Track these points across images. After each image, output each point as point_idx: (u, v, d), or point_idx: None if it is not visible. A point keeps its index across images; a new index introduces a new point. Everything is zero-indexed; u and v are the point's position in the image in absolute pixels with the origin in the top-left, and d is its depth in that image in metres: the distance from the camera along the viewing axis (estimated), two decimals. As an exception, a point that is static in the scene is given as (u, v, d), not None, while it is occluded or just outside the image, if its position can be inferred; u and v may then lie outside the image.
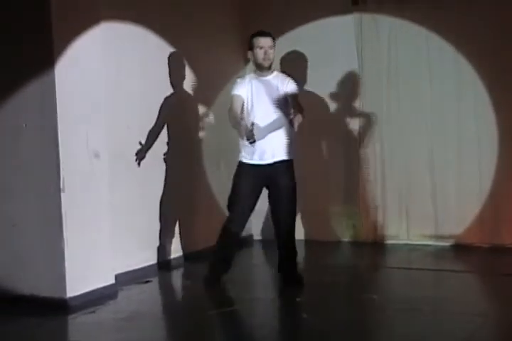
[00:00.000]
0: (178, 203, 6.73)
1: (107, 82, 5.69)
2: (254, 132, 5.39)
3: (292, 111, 5.62)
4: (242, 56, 7.39)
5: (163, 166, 6.56)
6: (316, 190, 7.48)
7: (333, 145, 7.48)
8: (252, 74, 5.84)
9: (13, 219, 5.42)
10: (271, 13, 7.54)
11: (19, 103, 5.32)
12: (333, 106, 7.44)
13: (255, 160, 5.71)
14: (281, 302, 5.48)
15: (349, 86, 7.36)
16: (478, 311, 4.98)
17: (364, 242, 7.38)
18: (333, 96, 7.42)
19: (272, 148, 5.66)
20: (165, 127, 6.55)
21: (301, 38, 7.44)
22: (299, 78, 6.70)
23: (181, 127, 6.79)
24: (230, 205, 5.84)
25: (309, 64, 7.38)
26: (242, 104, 5.70)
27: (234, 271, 6.03)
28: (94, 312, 5.19)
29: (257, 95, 5.70)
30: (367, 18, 7.23)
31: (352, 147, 7.40)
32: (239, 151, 5.83)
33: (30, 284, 5.34)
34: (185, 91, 6.83)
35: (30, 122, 5.28)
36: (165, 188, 6.57)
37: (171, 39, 6.62)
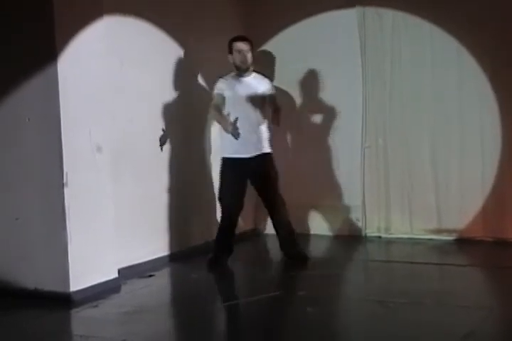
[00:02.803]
0: (181, 197, 6.72)
1: (110, 75, 5.68)
2: (238, 126, 5.95)
3: (270, 110, 6.27)
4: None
5: (167, 160, 6.55)
6: (318, 184, 7.48)
7: (336, 140, 7.46)
8: (233, 74, 6.34)
9: (16, 214, 5.43)
10: (273, 7, 7.52)
11: (22, 97, 5.32)
12: (336, 99, 7.42)
13: (237, 154, 6.19)
14: (284, 296, 5.47)
15: (352, 79, 7.34)
16: (482, 305, 4.98)
17: (367, 236, 7.37)
18: (336, 89, 7.40)
19: (252, 142, 6.19)
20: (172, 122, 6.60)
21: (303, 32, 7.41)
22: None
23: (186, 123, 6.80)
24: (220, 199, 6.39)
25: (312, 57, 7.36)
26: (223, 102, 6.20)
27: (237, 265, 6.03)
28: (97, 306, 5.19)
29: (237, 93, 6.22)
30: (370, 11, 7.21)
31: (355, 140, 7.38)
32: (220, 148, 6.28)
33: (34, 278, 5.35)
34: (194, 88, 6.90)
35: (33, 116, 5.29)
36: (168, 182, 6.57)
37: (173, 33, 6.60)
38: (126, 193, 5.98)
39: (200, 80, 6.97)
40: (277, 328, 4.76)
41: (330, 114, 7.42)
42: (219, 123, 6.20)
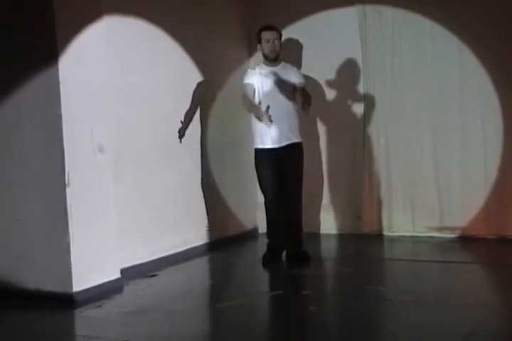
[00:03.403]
0: (184, 197, 6.73)
1: (111, 76, 5.68)
2: (271, 114, 5.91)
3: (301, 98, 6.17)
4: (246, 48, 7.41)
5: (169, 160, 6.55)
6: (321, 182, 7.49)
7: (338, 137, 7.46)
8: (262, 65, 6.39)
9: (17, 214, 5.42)
10: (274, 5, 7.52)
11: (23, 98, 5.32)
12: (337, 98, 7.42)
13: (269, 145, 6.23)
14: (286, 295, 5.47)
15: (353, 78, 7.34)
16: (484, 302, 4.97)
17: (369, 234, 7.38)
18: (337, 88, 7.40)
19: (283, 132, 6.19)
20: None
21: (304, 29, 7.41)
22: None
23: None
24: (264, 191, 6.38)
25: (313, 55, 7.36)
26: (254, 92, 6.22)
27: (240, 265, 6.03)
28: (100, 306, 5.19)
29: (267, 83, 6.24)
30: (370, 9, 7.21)
31: (356, 139, 7.38)
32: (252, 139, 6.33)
33: (36, 279, 5.35)
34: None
35: (35, 117, 5.29)
36: (171, 182, 6.58)
37: (175, 32, 6.60)
38: (128, 193, 5.98)
39: (202, 79, 6.96)
40: (277, 327, 4.75)
41: (332, 111, 7.43)
42: (251, 112, 6.18)
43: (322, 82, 7.41)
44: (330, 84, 7.40)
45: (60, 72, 5.16)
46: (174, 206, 6.60)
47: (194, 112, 6.84)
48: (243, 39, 7.50)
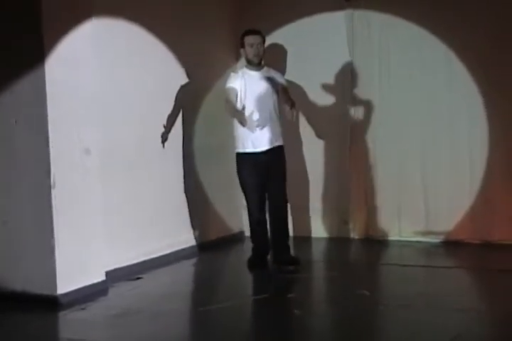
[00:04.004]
0: (170, 200, 6.72)
1: (99, 79, 5.67)
2: (256, 118, 5.96)
3: (286, 103, 6.09)
4: (234, 51, 7.39)
5: (155, 163, 6.54)
6: (308, 186, 7.49)
7: (325, 142, 7.46)
8: (245, 69, 6.33)
9: (3, 216, 5.40)
10: (263, 9, 7.52)
11: (9, 99, 5.31)
12: (324, 103, 7.42)
13: (250, 149, 6.16)
14: (272, 299, 5.47)
15: (340, 83, 7.35)
16: (470, 307, 4.99)
17: (356, 238, 7.38)
18: (324, 93, 7.40)
19: (264, 136, 6.13)
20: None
21: (293, 34, 7.42)
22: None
23: (176, 123, 6.82)
24: (247, 196, 6.33)
25: (301, 59, 7.37)
26: (236, 96, 6.14)
27: (225, 268, 6.03)
28: (84, 308, 5.18)
29: (250, 88, 6.16)
30: (359, 14, 7.22)
31: (344, 144, 7.39)
32: (233, 143, 6.26)
33: (22, 281, 5.34)
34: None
35: (21, 118, 5.27)
36: (157, 185, 6.56)
37: (163, 36, 6.60)
38: (114, 195, 5.97)
39: (191, 81, 6.96)
40: (261, 330, 4.74)
41: (319, 116, 7.44)
42: (234, 116, 6.11)
43: (309, 87, 7.41)
44: (317, 89, 7.39)
45: (46, 74, 5.16)
46: (160, 208, 6.59)
47: (177, 115, 6.80)
48: (231, 43, 7.49)
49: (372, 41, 7.21)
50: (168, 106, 6.71)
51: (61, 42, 5.26)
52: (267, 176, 6.22)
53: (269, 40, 7.05)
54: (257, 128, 6.02)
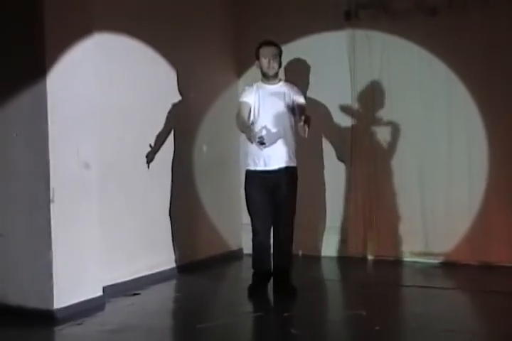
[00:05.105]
0: (169, 215, 6.72)
1: (99, 93, 5.69)
2: (264, 135, 5.59)
3: (301, 119, 5.56)
4: (234, 69, 7.42)
5: (154, 178, 6.55)
6: (306, 205, 7.47)
7: (324, 161, 7.48)
8: (260, 83, 6.02)
9: (1, 229, 5.40)
10: (263, 28, 7.54)
11: (10, 113, 5.32)
12: (323, 120, 7.44)
13: (261, 167, 5.87)
14: (269, 317, 5.46)
15: (340, 100, 7.38)
16: (466, 328, 4.97)
17: (353, 258, 7.37)
18: (325, 112, 7.43)
19: (277, 154, 5.83)
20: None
21: (293, 52, 7.43)
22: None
23: (177, 138, 6.82)
24: (252, 216, 5.98)
25: (301, 78, 7.38)
26: (249, 111, 5.86)
27: (223, 285, 6.00)
28: (81, 324, 5.16)
29: (264, 102, 5.88)
30: (359, 33, 7.26)
31: (341, 162, 7.41)
32: (245, 159, 6.02)
33: (18, 295, 5.32)
34: (183, 102, 6.91)
35: (21, 132, 5.28)
36: (156, 200, 6.57)
37: (164, 51, 6.64)
38: (112, 211, 5.97)
39: (190, 96, 6.98)
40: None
41: (319, 134, 7.45)
42: (243, 132, 5.84)
43: (308, 107, 7.39)
44: (317, 107, 7.41)
45: (47, 88, 5.17)
46: (158, 224, 6.59)
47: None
48: (232, 60, 7.54)
49: (373, 61, 7.24)
50: (170, 121, 6.72)
51: (62, 57, 5.27)
52: (274, 199, 5.91)
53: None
54: (262, 147, 5.65)
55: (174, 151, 6.78)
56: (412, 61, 7.09)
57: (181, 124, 6.92)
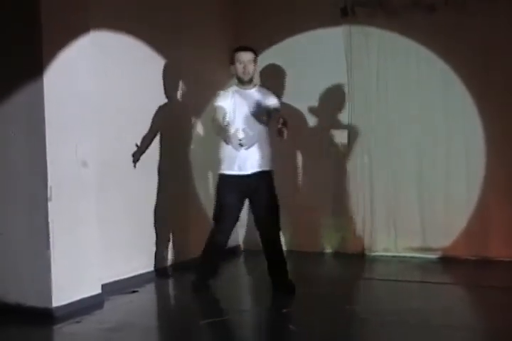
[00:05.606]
0: (167, 213, 6.72)
1: (97, 92, 5.68)
2: (243, 138, 5.64)
3: (279, 122, 5.54)
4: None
5: (151, 176, 6.55)
6: (305, 202, 7.49)
7: (321, 158, 7.48)
8: (235, 87, 5.98)
9: (0, 228, 5.39)
10: (260, 25, 7.57)
11: (7, 112, 5.31)
12: (321, 118, 7.45)
13: (235, 171, 5.81)
14: (267, 313, 5.46)
15: (337, 98, 7.38)
16: (465, 324, 4.98)
17: (352, 254, 7.39)
18: (321, 108, 7.44)
19: (251, 158, 5.79)
20: (157, 135, 6.58)
21: (290, 49, 7.47)
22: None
23: (171, 138, 6.79)
24: (217, 217, 5.93)
25: (298, 75, 7.40)
26: (224, 115, 5.80)
27: (221, 282, 6.01)
28: (80, 322, 5.15)
29: (239, 107, 5.83)
30: (356, 30, 7.26)
31: (339, 159, 7.41)
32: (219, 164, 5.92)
33: (16, 293, 5.31)
34: (179, 102, 6.88)
35: (19, 131, 5.27)
36: (155, 198, 6.57)
37: (161, 50, 6.63)
38: (110, 209, 5.97)
39: (187, 95, 6.97)
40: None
41: (315, 134, 7.46)
42: (219, 135, 5.82)
43: (306, 104, 7.44)
44: (313, 107, 7.42)
45: (44, 87, 5.15)
46: (156, 222, 6.58)
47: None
48: (228, 58, 7.52)
49: (370, 57, 7.24)
50: (167, 119, 6.72)
51: (59, 55, 5.26)
52: (253, 201, 5.89)
53: (267, 56, 7.11)
54: (242, 148, 5.69)
55: (170, 151, 6.76)
56: (409, 58, 7.09)
57: (179, 124, 6.92)
